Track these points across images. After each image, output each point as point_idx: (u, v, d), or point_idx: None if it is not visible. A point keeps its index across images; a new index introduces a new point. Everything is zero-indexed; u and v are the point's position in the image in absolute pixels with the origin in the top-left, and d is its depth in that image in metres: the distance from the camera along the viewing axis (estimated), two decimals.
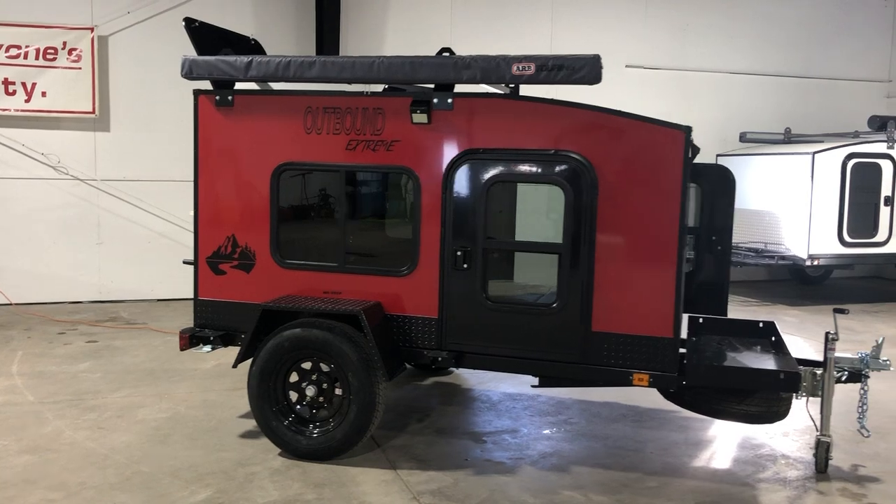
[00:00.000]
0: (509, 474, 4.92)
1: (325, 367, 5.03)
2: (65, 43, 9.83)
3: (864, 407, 5.25)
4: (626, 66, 12.38)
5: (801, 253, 11.07)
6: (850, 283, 13.45)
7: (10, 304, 9.68)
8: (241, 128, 5.33)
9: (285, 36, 10.78)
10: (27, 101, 9.77)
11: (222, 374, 6.93)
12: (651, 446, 5.48)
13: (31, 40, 9.68)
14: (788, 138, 12.13)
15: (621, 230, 4.72)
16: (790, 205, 11.26)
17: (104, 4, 10.02)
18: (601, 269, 4.75)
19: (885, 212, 11.38)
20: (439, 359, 5.00)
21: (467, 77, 4.83)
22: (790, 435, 5.74)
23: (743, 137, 12.56)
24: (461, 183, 4.93)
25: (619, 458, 5.24)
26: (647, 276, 4.69)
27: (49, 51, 9.77)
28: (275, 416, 5.06)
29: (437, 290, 5.02)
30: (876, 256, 11.63)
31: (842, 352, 5.39)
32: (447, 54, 5.08)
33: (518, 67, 4.72)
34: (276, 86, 5.56)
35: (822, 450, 5.02)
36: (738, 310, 10.62)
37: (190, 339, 5.39)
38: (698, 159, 6.36)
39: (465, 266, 4.93)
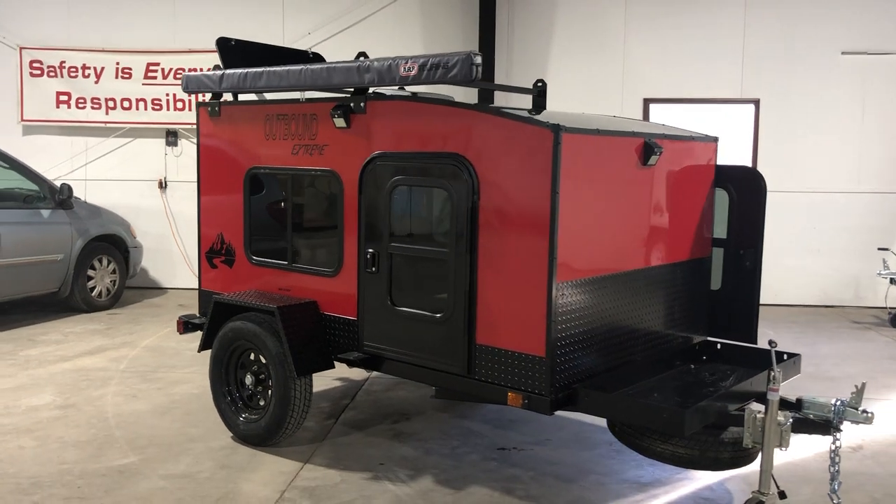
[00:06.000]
0: (403, 484, 4.81)
1: (263, 360, 5.35)
2: None
3: (836, 469, 4.23)
4: (843, 52, 10.70)
5: None
6: None
7: None
8: (226, 135, 5.85)
9: (451, 43, 11.14)
10: None
11: None
12: (586, 480, 4.93)
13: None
14: None
15: (497, 237, 4.38)
16: None
17: (293, 27, 11.24)
18: (483, 278, 4.45)
19: None
20: (352, 359, 5.04)
21: (368, 80, 4.83)
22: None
23: None
24: (371, 186, 4.93)
25: (529, 489, 4.82)
26: (519, 289, 4.30)
27: None
28: (223, 399, 5.51)
29: (355, 291, 5.07)
30: None
31: (817, 395, 4.44)
32: (362, 58, 5.08)
33: (405, 68, 4.62)
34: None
35: None
36: None
37: (184, 325, 6.04)
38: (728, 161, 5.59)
39: (374, 269, 4.92)
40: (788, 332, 9.21)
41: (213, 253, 6.02)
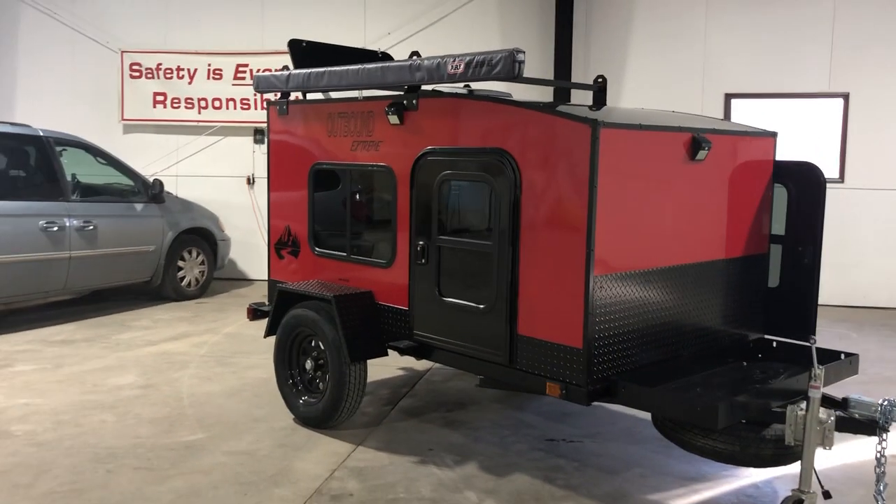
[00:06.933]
0: (448, 469, 4.97)
1: (322, 346, 5.61)
2: None
3: (882, 470, 4.13)
4: None
5: None
6: None
7: None
8: (293, 132, 6.15)
9: (528, 41, 11.21)
10: None
11: None
12: (629, 472, 4.96)
13: None
14: None
15: (538, 230, 4.48)
16: None
17: (375, 27, 11.56)
18: (524, 271, 4.56)
19: None
20: (403, 347, 5.24)
21: (418, 78, 5.00)
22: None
23: None
24: (421, 181, 5.11)
25: (570, 478, 4.89)
26: (559, 281, 4.39)
27: None
28: (285, 382, 5.81)
29: (407, 282, 5.26)
30: None
31: (860, 393, 4.35)
32: (415, 57, 5.24)
33: (452, 66, 4.77)
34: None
35: None
36: None
37: (253, 312, 6.37)
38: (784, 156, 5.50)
39: (424, 261, 5.10)
40: (875, 335, 8.90)
41: (281, 244, 6.32)
